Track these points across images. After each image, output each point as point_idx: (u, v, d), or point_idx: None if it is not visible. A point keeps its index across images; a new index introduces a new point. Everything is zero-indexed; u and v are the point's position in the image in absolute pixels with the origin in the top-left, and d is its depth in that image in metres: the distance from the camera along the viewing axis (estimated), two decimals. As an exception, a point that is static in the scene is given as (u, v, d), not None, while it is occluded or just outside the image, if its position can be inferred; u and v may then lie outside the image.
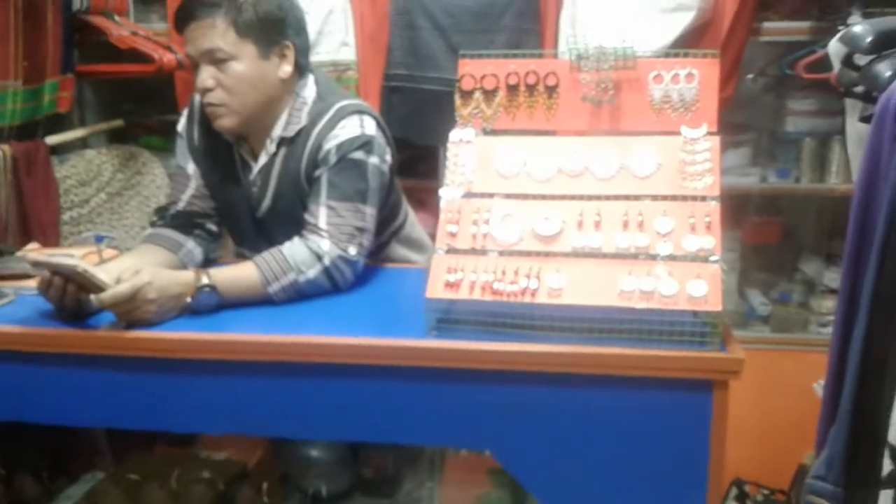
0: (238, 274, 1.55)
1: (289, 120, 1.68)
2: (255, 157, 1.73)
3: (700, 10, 2.38)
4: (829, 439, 1.33)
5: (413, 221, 1.98)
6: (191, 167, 1.80)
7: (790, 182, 2.65)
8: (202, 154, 1.79)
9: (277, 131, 1.69)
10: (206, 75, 1.61)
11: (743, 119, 2.78)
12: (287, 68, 1.66)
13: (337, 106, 1.67)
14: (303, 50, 1.70)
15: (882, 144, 1.31)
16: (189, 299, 1.48)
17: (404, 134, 2.49)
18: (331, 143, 1.63)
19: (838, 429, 1.30)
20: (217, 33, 1.59)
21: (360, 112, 1.68)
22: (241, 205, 1.76)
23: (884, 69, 1.35)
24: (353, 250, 1.61)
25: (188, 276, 1.50)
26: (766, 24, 2.47)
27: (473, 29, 2.48)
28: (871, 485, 1.24)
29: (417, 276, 1.53)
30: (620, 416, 1.34)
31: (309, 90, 1.71)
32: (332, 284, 1.60)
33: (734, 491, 2.57)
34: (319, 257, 1.57)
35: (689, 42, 2.38)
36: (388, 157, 1.73)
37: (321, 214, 1.61)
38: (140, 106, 3.02)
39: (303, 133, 1.67)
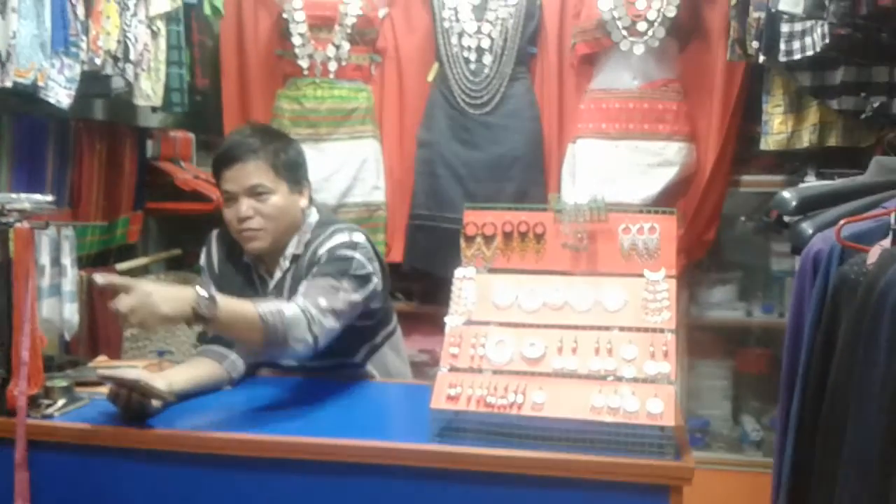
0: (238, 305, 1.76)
1: (299, 240, 2.03)
2: (271, 275, 2.05)
3: (682, 165, 2.73)
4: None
5: (401, 335, 2.25)
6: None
7: (774, 316, 2.91)
8: (222, 280, 2.08)
9: (290, 250, 2.02)
10: (247, 206, 1.96)
11: (734, 260, 3.08)
12: (305, 201, 2.05)
13: (333, 227, 2.03)
14: (310, 188, 2.09)
15: (804, 290, 1.60)
16: (188, 308, 1.64)
17: (426, 266, 2.82)
18: (324, 248, 1.96)
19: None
20: (260, 172, 1.96)
21: (351, 229, 2.03)
22: None
23: (806, 228, 1.66)
24: (323, 301, 1.83)
25: (189, 291, 1.67)
26: (746, 177, 2.80)
27: (486, 178, 2.84)
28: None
29: (418, 391, 1.79)
30: None
31: (313, 217, 2.07)
32: (307, 326, 1.79)
33: None
34: (296, 306, 1.81)
35: (674, 192, 2.72)
36: (376, 265, 2.01)
37: (300, 288, 1.89)
38: (196, 238, 3.37)
39: (306, 250, 2.01)
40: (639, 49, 2.73)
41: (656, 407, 1.57)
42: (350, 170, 2.99)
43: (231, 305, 1.77)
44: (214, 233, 2.16)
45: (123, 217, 2.80)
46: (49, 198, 1.85)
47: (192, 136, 3.26)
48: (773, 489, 1.60)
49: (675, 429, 1.58)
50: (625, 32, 2.73)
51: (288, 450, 1.66)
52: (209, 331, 2.02)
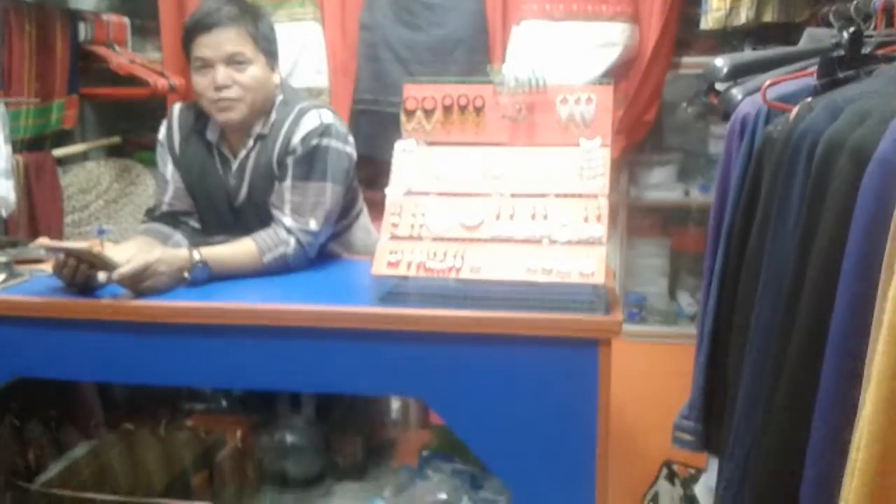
0: (235, 249, 1.87)
1: (265, 120, 1.99)
2: (234, 154, 2.02)
3: (625, 46, 2.75)
4: (692, 387, 1.66)
5: (367, 215, 2.30)
6: (169, 171, 2.08)
7: (711, 196, 3.00)
8: (182, 156, 2.07)
9: (256, 129, 1.99)
10: (224, 75, 1.90)
11: (674, 143, 3.14)
12: (277, 78, 2.00)
13: (298, 107, 1.99)
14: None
15: (731, 154, 1.66)
16: (187, 274, 1.79)
17: (369, 151, 2.81)
18: (297, 137, 1.94)
19: (695, 378, 1.63)
20: (241, 40, 1.91)
21: (318, 107, 2.01)
22: (220, 196, 2.04)
23: (736, 93, 1.71)
24: (313, 223, 1.92)
25: (186, 253, 1.81)
26: (686, 59, 2.83)
27: (430, 60, 2.83)
28: (723, 421, 1.57)
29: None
30: (527, 368, 1.63)
31: (278, 97, 2.02)
32: (305, 255, 1.92)
33: (665, 471, 2.86)
34: (290, 231, 1.90)
35: (617, 72, 2.75)
36: (350, 140, 2.04)
37: (286, 194, 1.93)
38: (135, 125, 3.33)
39: (272, 131, 1.98)
40: (582, -74, 2.71)
41: (588, 267, 1.63)
42: (290, 54, 2.94)
43: (230, 259, 1.86)
44: (176, 106, 2.11)
45: (58, 101, 2.74)
46: (-23, 73, 1.80)
47: (126, 20, 3.16)
48: (698, 335, 1.69)
49: (606, 287, 1.65)
50: None
51: (237, 316, 1.70)
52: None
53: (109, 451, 1.95)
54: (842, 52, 1.38)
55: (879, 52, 1.45)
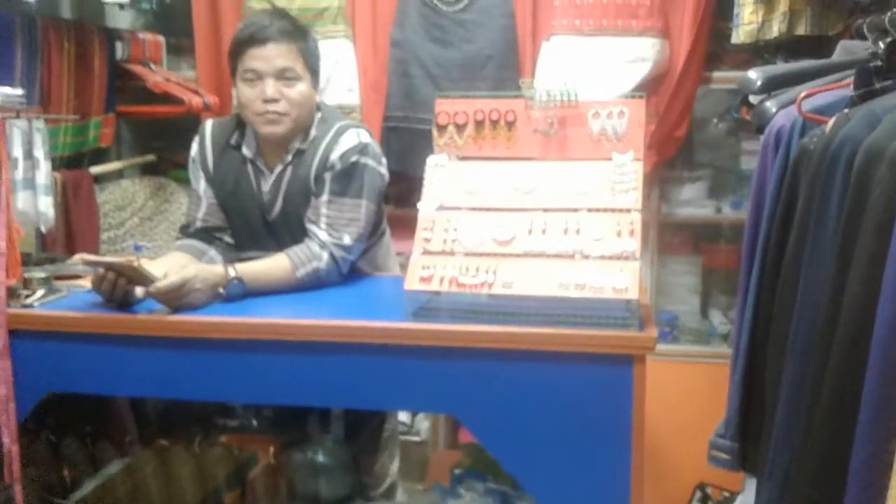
0: (269, 265, 1.89)
1: (304, 136, 2.02)
2: (271, 169, 2.04)
3: (655, 62, 2.74)
4: (727, 404, 1.63)
5: (389, 235, 2.30)
6: (202, 187, 2.10)
7: (742, 213, 2.97)
8: (216, 172, 2.09)
9: (295, 144, 2.01)
10: (274, 88, 1.94)
11: (705, 159, 3.12)
12: (318, 97, 2.05)
13: (338, 125, 2.02)
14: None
15: (766, 168, 1.64)
16: (222, 290, 1.81)
17: (400, 167, 2.83)
18: (335, 154, 1.97)
19: (731, 396, 1.61)
20: (292, 56, 1.95)
21: (356, 127, 2.05)
22: (253, 210, 2.06)
23: (770, 106, 1.69)
24: (347, 238, 1.94)
25: (221, 269, 1.83)
26: (717, 74, 2.82)
27: (460, 77, 2.84)
28: (760, 439, 1.54)
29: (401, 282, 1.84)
30: (560, 384, 1.62)
31: (316, 114, 2.05)
32: (338, 270, 1.94)
33: (698, 494, 2.83)
34: (324, 245, 1.92)
35: (648, 87, 2.73)
36: (384, 161, 2.06)
37: (322, 209, 1.95)
38: (169, 143, 3.38)
39: (311, 147, 2.00)
40: (613, -56, 2.71)
41: (621, 282, 1.62)
42: (323, 71, 2.92)
43: (264, 275, 1.88)
44: (208, 123, 2.14)
45: (95, 119, 2.79)
46: (19, 91, 1.85)
47: (161, 38, 3.21)
48: (733, 351, 1.67)
49: (639, 302, 1.64)
50: (599, -73, 2.71)
51: (270, 332, 1.72)
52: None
53: (144, 468, 1.97)
54: (878, 63, 1.36)
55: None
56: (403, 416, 2.97)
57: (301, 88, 1.97)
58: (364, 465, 2.26)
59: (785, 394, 1.33)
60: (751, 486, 1.54)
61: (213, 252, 2.07)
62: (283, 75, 1.95)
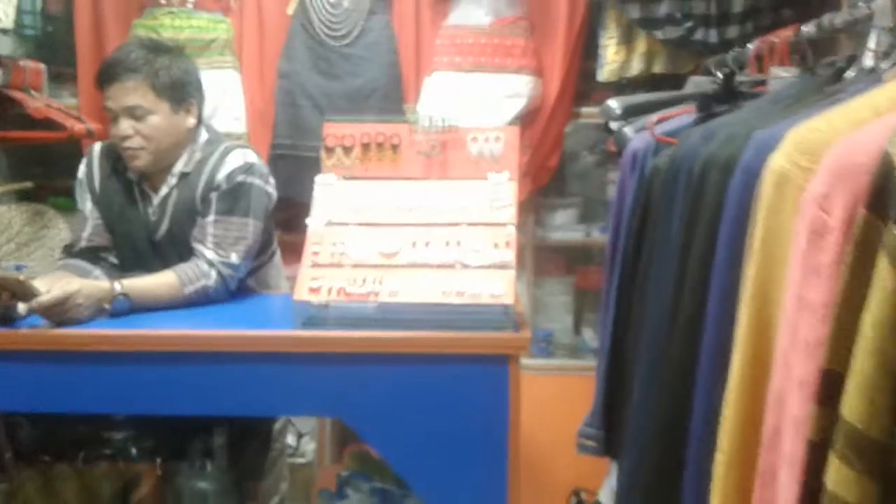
0: (156, 281, 1.92)
1: (188, 159, 2.06)
2: (156, 191, 2.09)
3: (529, 97, 2.95)
4: (594, 397, 1.79)
5: (280, 255, 2.36)
6: (88, 208, 2.13)
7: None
8: (102, 193, 2.12)
9: (179, 167, 2.06)
10: (126, 126, 1.98)
11: (576, 188, 3.34)
12: (192, 120, 2.07)
13: (224, 146, 2.09)
14: (201, 105, 2.12)
15: (625, 186, 1.82)
16: (107, 305, 1.83)
17: (288, 193, 2.88)
18: (221, 174, 2.02)
19: (597, 388, 1.76)
20: (138, 93, 1.97)
21: (242, 147, 2.12)
22: (139, 232, 2.10)
23: (628, 131, 1.89)
24: (234, 256, 2.00)
25: (107, 285, 1.86)
26: (585, 109, 3.05)
27: (346, 108, 2.95)
28: (621, 427, 1.70)
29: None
30: (442, 384, 1.72)
31: (202, 136, 2.10)
32: (226, 288, 1.99)
33: (574, 499, 2.99)
34: (211, 264, 1.97)
35: (523, 121, 2.93)
36: (271, 181, 2.13)
37: (208, 228, 2.00)
38: (48, 170, 3.32)
39: (196, 168, 2.06)
40: (489, -12, 2.91)
41: (498, 289, 1.75)
42: (210, 100, 2.98)
43: (151, 291, 1.91)
44: (97, 145, 2.17)
45: (-28, 144, 2.73)
46: None
47: (43, 66, 3.17)
48: (597, 366, 1.83)
49: (514, 307, 1.78)
50: (477, -28, 2.90)
51: (160, 343, 1.75)
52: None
53: (25, 486, 1.94)
54: (717, 91, 1.57)
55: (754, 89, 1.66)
56: (289, 439, 3.00)
57: (154, 121, 2.00)
58: (249, 490, 2.26)
59: (638, 384, 1.48)
60: (615, 469, 1.69)
61: (98, 272, 2.08)
62: (133, 113, 1.99)
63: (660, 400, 1.25)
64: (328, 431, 3.17)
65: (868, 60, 1.20)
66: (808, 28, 1.52)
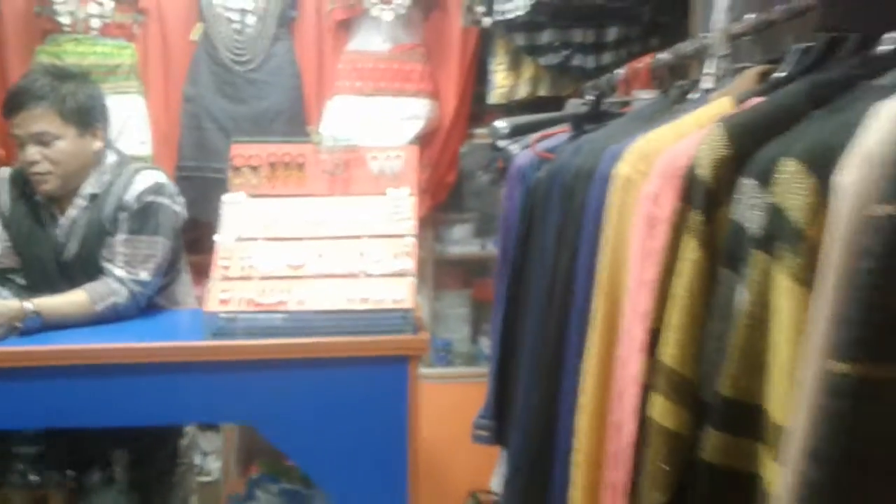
0: (67, 299, 1.98)
1: (96, 181, 2.12)
2: (63, 213, 2.14)
3: (427, 119, 3.13)
4: (487, 391, 1.95)
5: (188, 272, 2.43)
6: None
7: (506, 251, 3.39)
8: (11, 216, 2.16)
9: (87, 190, 2.12)
10: (34, 151, 2.04)
11: (472, 205, 3.52)
12: (98, 143, 2.13)
13: (132, 167, 2.16)
14: (106, 129, 2.19)
15: (512, 199, 2.00)
16: (19, 324, 1.88)
17: (193, 214, 2.94)
18: (130, 195, 2.09)
19: (489, 383, 1.92)
20: (45, 120, 2.03)
21: (151, 168, 2.20)
22: (47, 253, 2.14)
23: (514, 149, 2.07)
24: (144, 274, 2.06)
25: (17, 304, 1.90)
26: (478, 131, 3.24)
27: (251, 130, 3.05)
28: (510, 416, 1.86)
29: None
30: (346, 387, 1.83)
31: (110, 158, 2.17)
32: (136, 305, 2.06)
33: (471, 500, 3.14)
34: (122, 282, 2.04)
35: (422, 141, 3.09)
36: (179, 200, 2.20)
37: (118, 247, 2.07)
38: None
39: (105, 190, 2.12)
40: (388, 16, 3.07)
41: (399, 295, 1.89)
42: (115, 124, 3.03)
43: (62, 309, 1.96)
44: (5, 171, 2.21)
45: None
46: None
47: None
48: (490, 363, 1.99)
49: (414, 312, 1.92)
50: (376, 0, 3.06)
51: (71, 357, 1.81)
52: None
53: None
54: (588, 111, 1.77)
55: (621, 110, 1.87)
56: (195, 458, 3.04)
57: (61, 146, 2.06)
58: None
59: (522, 375, 1.65)
60: (504, 456, 1.85)
61: (5, 293, 2.12)
62: (40, 139, 2.05)
63: (539, 383, 1.42)
64: (234, 448, 3.22)
65: (707, 83, 1.41)
66: (663, 55, 1.73)
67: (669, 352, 0.81)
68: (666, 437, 0.81)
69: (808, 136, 0.68)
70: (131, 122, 3.11)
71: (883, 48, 0.86)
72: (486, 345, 3.35)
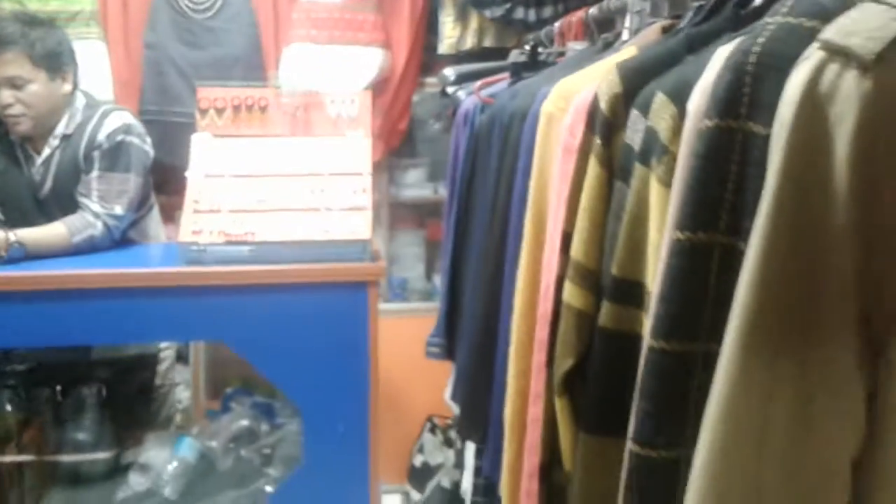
0: (47, 231, 2.13)
1: (68, 122, 2.27)
2: (38, 152, 2.29)
3: (380, 68, 3.29)
4: (438, 312, 2.17)
5: (158, 209, 2.60)
6: None
7: (456, 194, 3.60)
8: None
9: (59, 130, 2.26)
10: (7, 95, 2.18)
11: (425, 150, 3.71)
12: (68, 87, 2.27)
13: (102, 109, 2.31)
14: (76, 73, 2.32)
15: (458, 141, 2.20)
16: (3, 252, 2.03)
17: (157, 157, 3.10)
18: (102, 134, 2.24)
19: (440, 305, 2.15)
20: (17, 64, 2.16)
21: (120, 110, 2.36)
22: (24, 191, 2.29)
23: (461, 94, 2.27)
24: (118, 208, 2.23)
25: (3, 235, 2.04)
26: (429, 80, 3.42)
27: (211, 76, 3.18)
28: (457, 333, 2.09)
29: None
30: (312, 309, 2.01)
31: (80, 100, 2.31)
32: (111, 237, 2.23)
33: (428, 425, 3.39)
34: (97, 215, 2.20)
35: (375, 89, 3.26)
36: (148, 140, 2.36)
37: (93, 183, 2.22)
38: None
39: (77, 130, 2.27)
40: (341, -34, 3.23)
41: (357, 227, 2.09)
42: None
43: (43, 240, 2.09)
44: None
45: None
46: None
47: None
48: (441, 286, 2.21)
49: (371, 242, 2.12)
50: (328, -50, 3.21)
51: (56, 282, 1.96)
52: None
53: None
54: (525, 60, 1.97)
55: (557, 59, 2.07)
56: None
57: (33, 89, 2.19)
58: (126, 439, 2.34)
59: (468, 293, 1.87)
60: (454, 369, 2.09)
61: None
62: (13, 83, 2.17)
63: (482, 293, 1.64)
64: (202, 379, 3.42)
65: (625, 35, 1.62)
66: (593, 10, 1.94)
67: (578, 248, 1.03)
68: (575, 315, 1.04)
69: (675, 75, 0.90)
70: (92, 68, 3.22)
71: (753, 5, 1.08)
72: (440, 282, 3.58)
